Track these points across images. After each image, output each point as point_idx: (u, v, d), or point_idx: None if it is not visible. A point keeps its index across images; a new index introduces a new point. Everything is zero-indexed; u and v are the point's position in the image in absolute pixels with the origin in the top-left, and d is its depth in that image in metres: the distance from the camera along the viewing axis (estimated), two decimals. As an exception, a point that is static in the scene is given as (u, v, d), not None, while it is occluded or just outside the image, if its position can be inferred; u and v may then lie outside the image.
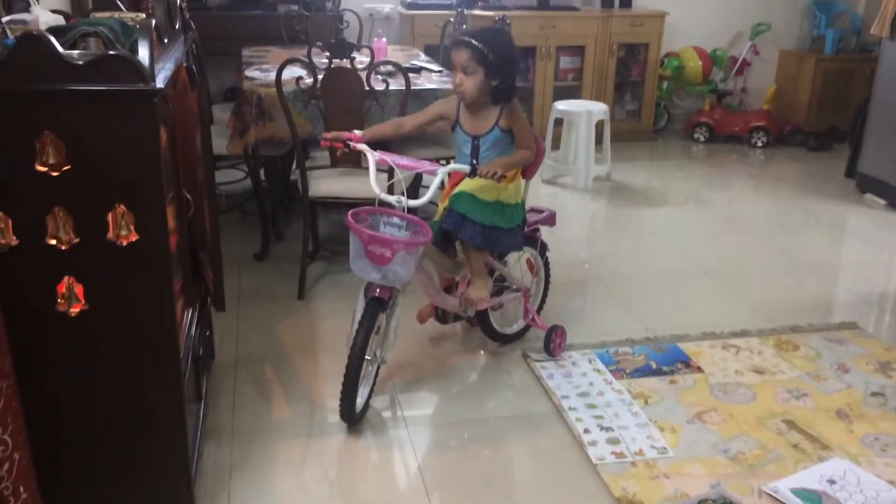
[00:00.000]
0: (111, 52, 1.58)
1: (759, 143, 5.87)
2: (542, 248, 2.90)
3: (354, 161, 3.11)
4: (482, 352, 2.89)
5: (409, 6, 5.43)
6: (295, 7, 4.86)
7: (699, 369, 2.74)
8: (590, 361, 2.78)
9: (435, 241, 2.49)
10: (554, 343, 2.80)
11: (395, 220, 2.33)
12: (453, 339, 2.97)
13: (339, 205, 3.19)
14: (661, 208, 4.60)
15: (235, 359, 2.77)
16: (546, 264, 2.96)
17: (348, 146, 2.49)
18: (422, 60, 4.11)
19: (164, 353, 1.75)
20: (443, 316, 2.82)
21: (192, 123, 2.25)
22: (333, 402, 2.37)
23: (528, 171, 2.66)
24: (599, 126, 4.88)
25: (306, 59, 3.02)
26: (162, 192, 1.64)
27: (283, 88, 3.06)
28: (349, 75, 3.05)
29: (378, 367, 2.51)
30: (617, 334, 2.98)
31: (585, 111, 4.77)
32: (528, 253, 2.87)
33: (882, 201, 4.62)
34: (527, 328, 2.93)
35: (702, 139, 5.98)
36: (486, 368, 2.79)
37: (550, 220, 2.89)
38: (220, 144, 3.40)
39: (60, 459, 1.77)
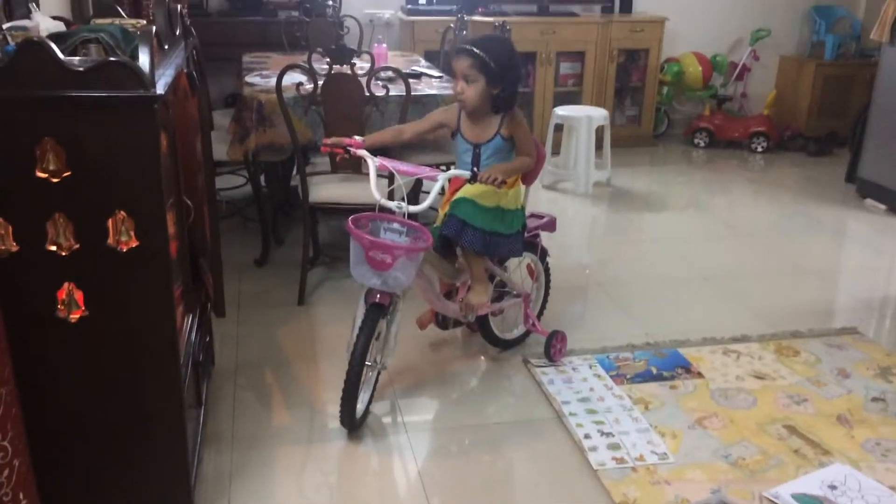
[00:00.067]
0: (112, 59, 1.58)
1: (760, 149, 5.87)
2: (543, 254, 2.90)
3: (355, 167, 3.12)
4: (482, 357, 2.88)
5: (410, 12, 5.44)
6: (295, 13, 4.88)
7: (700, 375, 2.74)
8: (590, 367, 2.78)
9: (435, 246, 2.49)
10: (554, 348, 2.80)
11: (396, 225, 2.33)
12: (454, 344, 2.96)
13: (340, 210, 3.19)
14: (662, 213, 4.60)
15: (235, 364, 2.77)
16: (546, 270, 2.96)
17: (348, 152, 2.49)
18: (422, 66, 4.12)
19: (164, 359, 1.75)
20: (443, 321, 2.82)
21: (193, 129, 2.25)
22: (334, 408, 2.37)
23: (528, 177, 2.67)
24: (599, 131, 4.88)
25: (307, 65, 3.03)
26: (162, 198, 1.64)
27: (284, 94, 3.06)
28: (349, 81, 3.06)
29: (378, 373, 2.51)
30: (617, 340, 2.98)
31: (585, 116, 4.77)
32: (528, 258, 2.87)
33: (882, 206, 4.62)
34: (527, 334, 2.93)
35: (702, 144, 5.98)
36: (487, 374, 2.79)
37: (551, 225, 2.89)
38: (220, 150, 3.40)
39: (60, 465, 1.77)
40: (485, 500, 2.14)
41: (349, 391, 2.29)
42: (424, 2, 5.53)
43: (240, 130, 3.36)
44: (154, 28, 1.69)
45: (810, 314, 3.24)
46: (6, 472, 1.49)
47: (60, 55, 1.51)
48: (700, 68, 5.85)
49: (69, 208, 1.58)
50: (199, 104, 2.38)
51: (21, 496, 1.54)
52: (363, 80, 3.07)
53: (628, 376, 2.72)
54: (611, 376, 2.72)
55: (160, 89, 1.60)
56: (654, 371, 2.76)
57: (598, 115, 4.83)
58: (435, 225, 2.58)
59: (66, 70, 1.51)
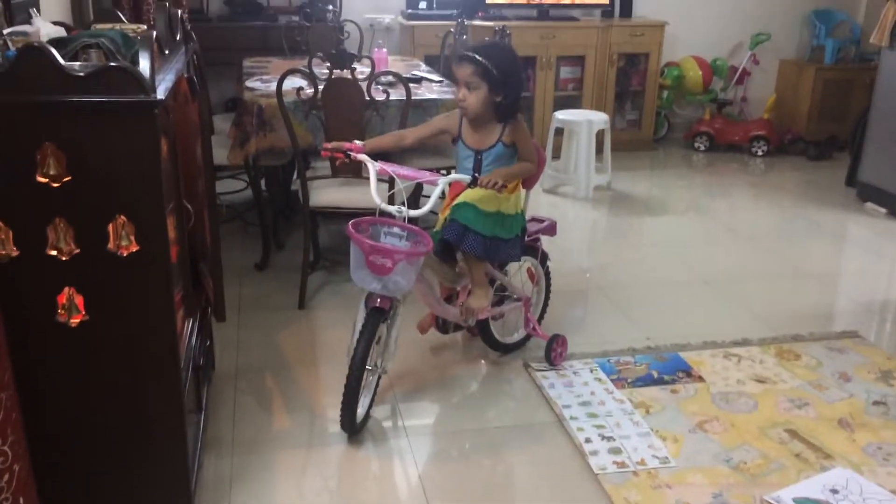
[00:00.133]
0: (112, 64, 1.58)
1: (760, 153, 5.87)
2: (543, 258, 2.90)
3: (355, 171, 3.12)
4: (483, 361, 2.88)
5: (410, 17, 5.45)
6: (295, 18, 4.88)
7: (700, 378, 2.74)
8: (591, 371, 2.78)
9: (436, 250, 2.49)
10: (555, 352, 2.80)
11: (396, 230, 2.33)
12: (454, 348, 2.96)
13: (340, 215, 3.20)
14: (662, 217, 4.60)
15: (236, 369, 2.77)
16: (547, 274, 2.96)
17: (349, 156, 2.49)
18: (422, 71, 4.12)
19: (164, 364, 1.75)
20: (443, 326, 2.82)
21: (193, 134, 2.25)
22: (334, 413, 2.37)
23: (528, 181, 2.67)
24: (600, 135, 4.88)
25: (307, 70, 3.04)
26: (162, 202, 1.64)
27: (284, 99, 3.07)
28: (350, 86, 3.06)
29: (379, 377, 2.51)
30: (618, 343, 2.98)
31: (586, 121, 4.78)
32: (528, 262, 2.87)
33: (882, 210, 4.62)
34: (528, 338, 2.93)
35: (702, 148, 5.98)
36: (487, 378, 2.79)
37: (551, 229, 2.89)
38: (220, 155, 3.40)
39: (60, 470, 1.77)
40: (485, 505, 2.14)
41: (349, 395, 2.29)
42: (425, 6, 5.54)
43: (240, 135, 3.36)
44: (154, 33, 1.69)
45: (811, 318, 3.24)
46: (6, 476, 1.49)
47: (61, 60, 1.51)
48: (700, 72, 5.85)
49: (70, 213, 1.58)
50: (199, 109, 2.38)
51: (21, 501, 1.54)
52: (363, 85, 3.08)
53: (629, 380, 2.72)
54: (612, 380, 2.72)
55: (161, 94, 1.60)
56: (655, 375, 2.76)
57: (599, 119, 4.84)
58: (435, 229, 2.59)
59: (67, 75, 1.51)
